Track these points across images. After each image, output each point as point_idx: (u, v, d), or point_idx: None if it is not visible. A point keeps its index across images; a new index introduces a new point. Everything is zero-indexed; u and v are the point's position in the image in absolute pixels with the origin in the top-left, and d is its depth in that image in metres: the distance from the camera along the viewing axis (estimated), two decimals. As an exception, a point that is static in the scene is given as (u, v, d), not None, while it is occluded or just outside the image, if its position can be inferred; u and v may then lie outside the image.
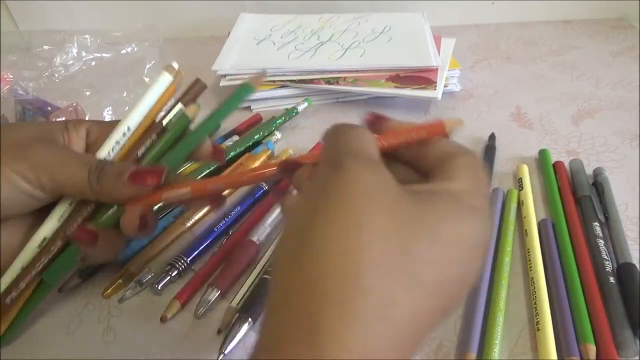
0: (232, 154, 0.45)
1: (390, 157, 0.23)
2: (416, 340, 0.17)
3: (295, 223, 0.19)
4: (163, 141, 0.29)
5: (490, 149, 0.46)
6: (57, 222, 0.28)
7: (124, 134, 0.29)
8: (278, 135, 0.49)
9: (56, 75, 0.48)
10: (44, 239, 0.27)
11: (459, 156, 0.22)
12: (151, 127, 0.30)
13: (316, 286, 0.16)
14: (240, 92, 0.32)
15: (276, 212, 0.39)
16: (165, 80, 0.31)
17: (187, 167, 0.44)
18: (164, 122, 0.29)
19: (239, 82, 0.54)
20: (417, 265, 0.17)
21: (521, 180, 0.42)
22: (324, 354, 0.15)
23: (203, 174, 0.42)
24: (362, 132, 0.22)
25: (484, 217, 0.20)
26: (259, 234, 0.37)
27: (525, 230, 0.37)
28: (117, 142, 0.29)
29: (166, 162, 0.29)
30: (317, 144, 0.47)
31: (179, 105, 0.30)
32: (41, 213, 0.28)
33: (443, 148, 0.22)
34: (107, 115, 0.47)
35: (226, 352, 0.29)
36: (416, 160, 0.23)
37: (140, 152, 0.29)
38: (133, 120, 0.29)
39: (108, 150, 0.28)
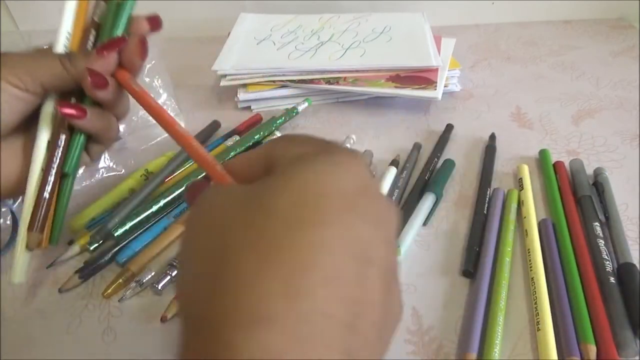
0: (232, 153, 0.45)
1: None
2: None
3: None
4: (105, 31, 0.31)
5: (490, 149, 0.46)
6: (51, 123, 0.30)
7: (67, 39, 0.31)
8: (278, 135, 0.49)
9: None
10: (47, 141, 0.30)
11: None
12: (87, 26, 0.31)
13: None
14: None
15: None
16: None
17: (186, 167, 0.44)
18: (96, 18, 0.32)
19: (239, 82, 0.54)
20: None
21: (521, 180, 0.42)
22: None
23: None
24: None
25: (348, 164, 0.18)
26: (259, 234, 0.37)
27: (526, 230, 0.37)
28: (65, 47, 0.31)
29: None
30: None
31: None
32: (29, 134, 0.30)
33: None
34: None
35: (226, 352, 0.29)
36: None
37: (89, 47, 0.31)
38: (67, 23, 0.31)
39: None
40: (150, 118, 0.30)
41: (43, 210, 0.30)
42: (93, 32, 0.31)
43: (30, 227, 0.29)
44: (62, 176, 0.31)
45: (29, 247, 0.29)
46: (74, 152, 0.31)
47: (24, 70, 0.28)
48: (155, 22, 0.34)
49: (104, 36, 0.31)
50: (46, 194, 0.30)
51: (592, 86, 0.57)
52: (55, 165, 0.30)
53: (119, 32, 0.31)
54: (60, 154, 0.30)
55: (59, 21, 0.31)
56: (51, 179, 0.30)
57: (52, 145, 0.30)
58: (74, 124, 0.30)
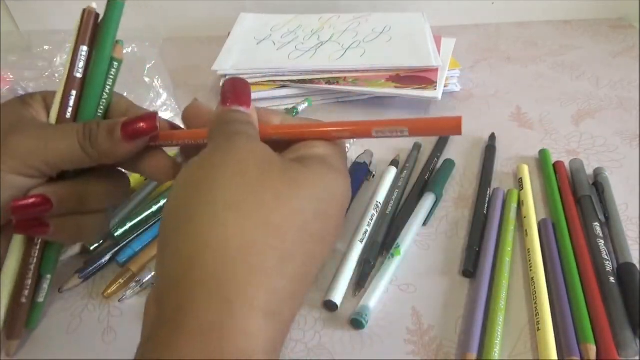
0: (232, 154, 0.45)
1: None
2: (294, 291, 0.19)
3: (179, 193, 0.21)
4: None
5: (490, 149, 0.46)
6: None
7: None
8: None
9: (56, 75, 0.48)
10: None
11: None
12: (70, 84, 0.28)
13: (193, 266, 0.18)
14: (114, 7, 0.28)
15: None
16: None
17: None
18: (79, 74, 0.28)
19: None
20: (281, 220, 0.19)
21: (521, 180, 0.42)
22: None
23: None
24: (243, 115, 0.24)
25: (345, 177, 0.23)
26: (259, 234, 0.37)
27: (526, 230, 0.37)
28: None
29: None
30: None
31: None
32: None
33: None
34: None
35: (226, 352, 0.29)
36: None
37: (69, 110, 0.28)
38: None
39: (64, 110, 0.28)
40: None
41: (21, 316, 0.29)
42: (73, 92, 0.27)
43: (8, 336, 0.29)
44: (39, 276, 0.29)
45: (7, 354, 0.30)
46: (52, 250, 0.29)
47: (34, 156, 0.24)
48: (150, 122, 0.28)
49: (88, 93, 0.27)
50: (24, 299, 0.29)
51: (592, 86, 0.57)
52: (32, 266, 0.28)
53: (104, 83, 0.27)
54: (37, 252, 0.28)
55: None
56: (28, 282, 0.28)
57: (28, 241, 0.28)
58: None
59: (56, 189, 0.26)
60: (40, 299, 0.30)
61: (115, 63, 0.28)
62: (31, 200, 0.25)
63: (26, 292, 0.29)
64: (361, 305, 0.32)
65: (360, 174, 0.43)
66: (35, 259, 0.28)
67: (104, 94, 0.28)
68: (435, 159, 0.45)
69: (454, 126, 0.22)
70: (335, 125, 0.24)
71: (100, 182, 0.27)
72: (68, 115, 0.27)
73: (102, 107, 0.28)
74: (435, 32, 0.60)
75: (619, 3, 0.73)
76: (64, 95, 0.27)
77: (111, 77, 0.28)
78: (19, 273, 0.28)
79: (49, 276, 0.30)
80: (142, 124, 0.25)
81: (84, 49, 0.27)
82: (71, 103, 0.27)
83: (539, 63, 0.63)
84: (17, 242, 0.28)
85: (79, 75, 0.27)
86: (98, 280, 0.35)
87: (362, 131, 0.24)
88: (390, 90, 0.52)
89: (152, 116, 0.26)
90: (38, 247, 0.28)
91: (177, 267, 0.19)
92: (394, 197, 0.41)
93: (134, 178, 0.42)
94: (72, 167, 0.26)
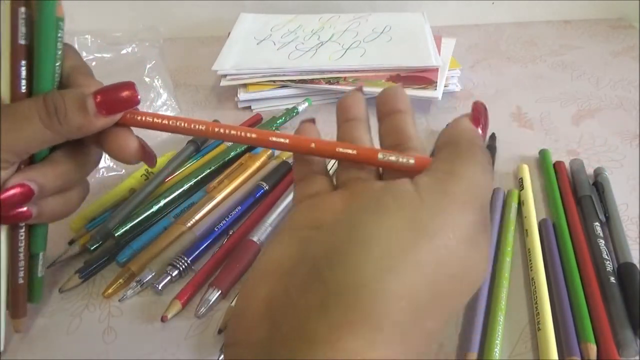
0: (232, 154, 0.45)
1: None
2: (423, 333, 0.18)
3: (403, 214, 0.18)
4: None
5: (490, 149, 0.46)
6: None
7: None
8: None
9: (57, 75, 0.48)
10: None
11: (473, 145, 0.21)
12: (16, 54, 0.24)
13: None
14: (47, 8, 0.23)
15: (276, 212, 0.39)
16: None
17: (186, 167, 0.44)
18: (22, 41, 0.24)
19: (239, 82, 0.54)
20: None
21: (522, 180, 0.42)
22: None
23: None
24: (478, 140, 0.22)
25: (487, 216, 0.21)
26: (260, 234, 0.37)
27: (526, 230, 0.37)
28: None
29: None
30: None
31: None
32: None
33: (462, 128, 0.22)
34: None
35: (227, 352, 0.29)
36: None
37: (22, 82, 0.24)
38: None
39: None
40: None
41: (22, 296, 0.29)
42: (23, 62, 0.24)
43: (14, 315, 0.30)
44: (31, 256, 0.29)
45: (17, 331, 0.30)
46: (39, 228, 0.28)
47: None
48: (149, 159, 0.27)
49: (41, 61, 0.24)
50: (20, 280, 0.29)
51: (592, 86, 0.57)
52: (21, 249, 0.27)
53: (52, 46, 0.24)
54: (23, 234, 0.27)
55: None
56: (21, 263, 0.28)
57: (12, 225, 0.27)
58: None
59: (33, 174, 0.24)
60: (39, 274, 0.30)
61: (60, 22, 0.24)
62: (11, 192, 0.23)
63: (21, 274, 0.28)
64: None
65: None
66: (23, 241, 0.27)
67: (56, 59, 0.24)
68: (436, 159, 0.45)
69: None
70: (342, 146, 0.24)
71: (75, 155, 0.25)
72: (23, 89, 0.24)
73: (57, 75, 0.24)
74: (435, 32, 0.60)
75: (619, 3, 0.73)
76: (13, 67, 0.23)
77: (59, 39, 0.24)
78: (10, 257, 0.28)
79: (41, 253, 0.29)
80: (123, 94, 0.23)
81: (22, 10, 0.23)
82: (23, 75, 0.23)
83: (539, 63, 0.63)
84: (2, 229, 0.27)
85: (23, 42, 0.23)
86: (98, 280, 0.35)
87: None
88: (390, 90, 0.52)
89: (131, 85, 0.23)
90: (23, 229, 0.27)
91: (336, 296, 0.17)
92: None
93: (134, 178, 0.42)
94: (42, 148, 0.24)
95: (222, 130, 0.25)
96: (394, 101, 0.26)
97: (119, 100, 0.23)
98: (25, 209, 0.24)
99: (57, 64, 0.24)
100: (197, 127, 0.25)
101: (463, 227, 0.18)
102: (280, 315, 0.18)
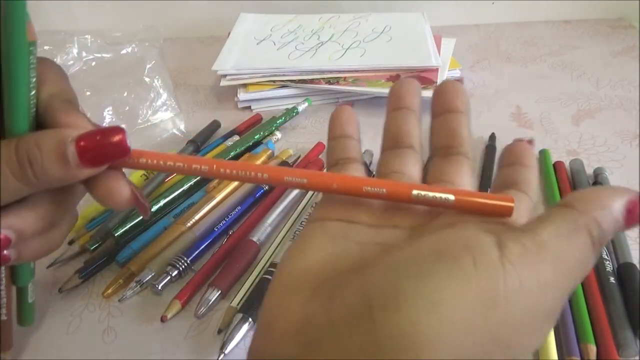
0: (232, 154, 0.45)
1: None
2: None
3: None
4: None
5: (490, 149, 0.46)
6: None
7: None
8: (278, 135, 0.49)
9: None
10: None
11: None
12: None
13: None
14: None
15: (276, 212, 0.39)
16: None
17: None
18: None
19: (239, 82, 0.54)
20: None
21: (521, 180, 0.42)
22: None
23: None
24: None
25: None
26: (259, 234, 0.37)
27: (526, 230, 0.37)
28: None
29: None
30: (318, 143, 0.47)
31: None
32: None
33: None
34: (108, 115, 0.47)
35: (226, 352, 0.29)
36: None
37: None
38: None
39: None
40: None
41: (6, 331, 0.28)
42: None
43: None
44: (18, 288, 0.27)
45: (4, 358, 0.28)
46: (22, 265, 0.26)
47: None
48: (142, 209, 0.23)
49: (11, 95, 0.19)
50: (3, 317, 0.27)
51: (592, 86, 0.57)
52: (2, 283, 0.25)
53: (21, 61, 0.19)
54: (2, 272, 0.25)
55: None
56: (3, 301, 0.26)
57: None
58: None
59: (10, 220, 0.20)
60: (30, 300, 0.29)
61: (32, 48, 0.19)
62: None
63: (4, 310, 0.27)
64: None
65: (360, 174, 0.43)
66: (3, 279, 0.25)
67: (30, 89, 0.20)
68: (435, 159, 0.45)
69: (505, 211, 0.20)
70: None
71: (58, 193, 0.22)
72: None
73: (32, 106, 0.20)
74: (435, 32, 0.60)
75: (619, 3, 0.72)
76: None
77: (32, 66, 0.20)
78: None
79: (30, 284, 0.28)
80: (111, 141, 0.19)
81: None
82: None
83: (539, 63, 0.63)
84: None
85: None
86: (98, 280, 0.35)
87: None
88: (390, 90, 0.52)
89: (120, 131, 0.20)
90: (2, 268, 0.25)
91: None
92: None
93: (134, 178, 0.42)
94: (14, 199, 0.20)
95: (228, 171, 0.21)
96: (453, 99, 0.24)
97: (106, 149, 0.19)
98: (3, 252, 0.21)
99: (32, 93, 0.20)
100: (199, 167, 0.21)
101: (537, 314, 0.17)
102: (317, 340, 0.17)
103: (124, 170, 0.22)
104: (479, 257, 0.16)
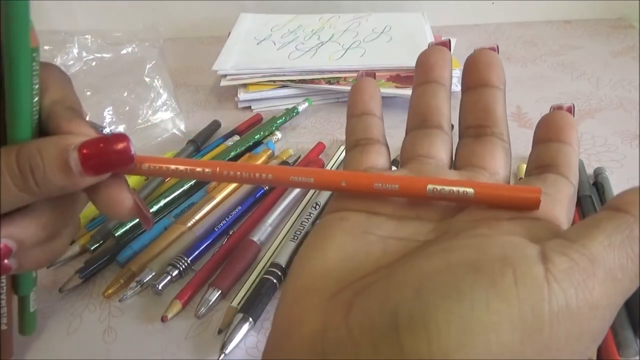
0: (232, 154, 0.45)
1: None
2: None
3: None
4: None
5: (490, 149, 0.46)
6: None
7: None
8: (278, 135, 0.49)
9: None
10: None
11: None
12: None
13: None
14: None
15: (277, 212, 0.39)
16: None
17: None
18: None
19: (239, 82, 0.54)
20: None
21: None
22: None
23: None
24: None
25: None
26: (260, 234, 0.37)
27: (526, 230, 0.37)
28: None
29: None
30: (318, 143, 0.47)
31: None
32: None
33: None
34: (108, 115, 0.47)
35: (227, 352, 0.29)
36: None
37: None
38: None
39: None
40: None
41: (7, 341, 0.27)
42: None
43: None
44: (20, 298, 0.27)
45: None
46: (24, 274, 0.25)
47: None
48: (146, 222, 0.23)
49: (13, 102, 0.19)
50: (3, 326, 0.26)
51: (592, 86, 0.57)
52: (2, 295, 0.24)
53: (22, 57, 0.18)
54: (3, 282, 0.24)
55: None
56: (3, 310, 0.25)
57: None
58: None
59: (11, 230, 0.20)
60: (31, 309, 0.28)
61: (35, 54, 0.19)
62: None
63: (4, 320, 0.26)
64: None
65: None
66: (4, 288, 0.25)
67: (34, 96, 0.20)
68: (436, 159, 0.45)
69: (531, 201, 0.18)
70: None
71: (60, 202, 0.21)
72: None
73: (35, 113, 0.20)
74: (435, 32, 0.60)
75: (619, 3, 0.73)
76: None
77: (35, 73, 0.19)
78: None
79: (31, 292, 0.27)
80: (114, 148, 0.19)
81: None
82: None
83: (539, 63, 0.63)
84: None
85: None
86: (98, 280, 0.35)
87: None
88: (390, 90, 0.52)
89: (124, 138, 0.19)
90: (3, 277, 0.24)
91: None
92: (394, 197, 0.41)
93: (133, 178, 0.42)
94: (14, 208, 0.20)
95: (232, 173, 0.21)
96: (487, 71, 0.21)
97: (109, 156, 0.19)
98: (4, 262, 0.20)
99: (35, 100, 0.20)
100: (202, 171, 0.21)
101: (583, 336, 0.15)
102: (335, 353, 0.15)
103: None
104: (521, 274, 0.14)
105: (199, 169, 0.21)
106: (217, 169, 0.21)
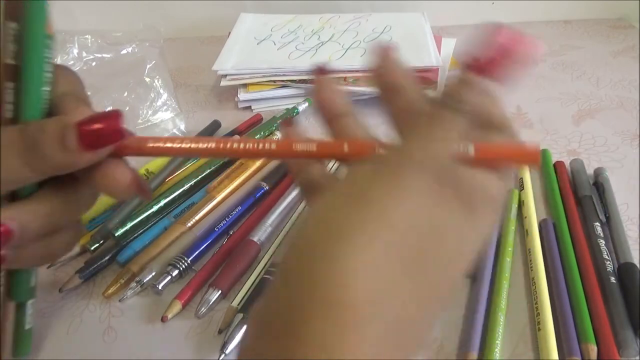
0: (232, 154, 0.45)
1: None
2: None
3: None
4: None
5: (490, 149, 0.46)
6: None
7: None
8: (279, 135, 0.49)
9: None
10: None
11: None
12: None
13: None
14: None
15: (277, 212, 0.39)
16: None
17: (186, 167, 0.44)
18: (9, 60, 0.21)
19: (239, 82, 0.54)
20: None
21: (522, 180, 0.42)
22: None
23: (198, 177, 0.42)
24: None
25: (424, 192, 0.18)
26: (260, 234, 0.37)
27: (526, 230, 0.37)
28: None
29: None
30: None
31: None
32: None
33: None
34: (108, 115, 0.47)
35: (227, 352, 0.29)
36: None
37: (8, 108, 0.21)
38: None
39: None
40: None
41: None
42: (10, 84, 0.20)
43: None
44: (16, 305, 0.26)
45: None
46: (21, 275, 0.24)
47: None
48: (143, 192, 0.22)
49: (27, 83, 0.20)
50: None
51: (592, 86, 0.57)
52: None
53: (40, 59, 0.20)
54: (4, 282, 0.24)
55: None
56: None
57: None
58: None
59: (14, 212, 0.20)
60: (27, 326, 0.27)
61: (49, 41, 0.20)
62: None
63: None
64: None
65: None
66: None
67: (45, 82, 0.21)
68: (436, 159, 0.45)
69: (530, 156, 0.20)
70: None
71: (64, 193, 0.21)
72: (9, 114, 0.20)
73: (44, 103, 0.21)
74: (435, 32, 0.60)
75: (619, 3, 0.73)
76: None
77: (48, 59, 0.21)
78: None
79: (30, 302, 0.26)
80: (104, 125, 0.19)
81: (12, 25, 0.20)
82: (10, 99, 0.20)
83: (539, 63, 0.63)
84: None
85: (10, 62, 0.20)
86: (98, 280, 0.35)
87: None
88: (390, 90, 0.52)
89: (114, 115, 0.20)
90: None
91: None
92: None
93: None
94: (19, 186, 0.20)
95: (235, 145, 0.21)
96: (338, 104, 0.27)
97: (101, 132, 0.19)
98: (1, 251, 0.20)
99: (47, 88, 0.21)
100: (205, 145, 0.21)
101: (417, 189, 0.17)
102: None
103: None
104: (350, 173, 0.20)
105: (202, 145, 0.21)
106: (221, 145, 0.21)
